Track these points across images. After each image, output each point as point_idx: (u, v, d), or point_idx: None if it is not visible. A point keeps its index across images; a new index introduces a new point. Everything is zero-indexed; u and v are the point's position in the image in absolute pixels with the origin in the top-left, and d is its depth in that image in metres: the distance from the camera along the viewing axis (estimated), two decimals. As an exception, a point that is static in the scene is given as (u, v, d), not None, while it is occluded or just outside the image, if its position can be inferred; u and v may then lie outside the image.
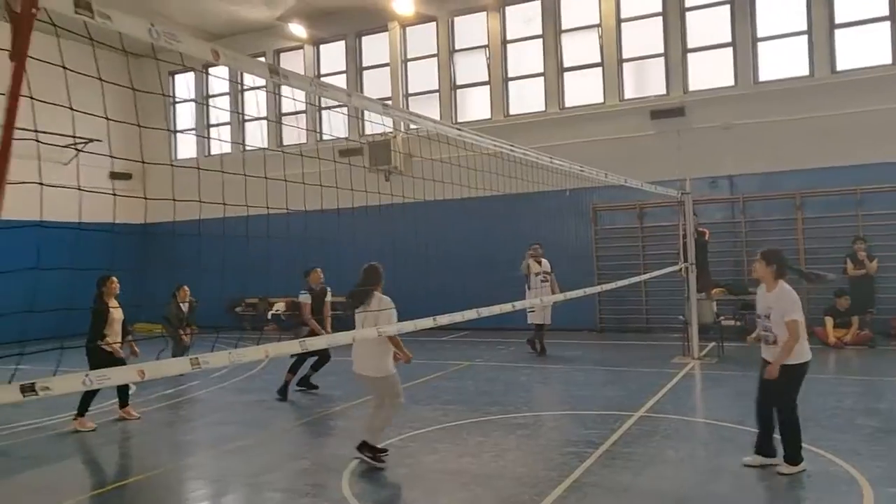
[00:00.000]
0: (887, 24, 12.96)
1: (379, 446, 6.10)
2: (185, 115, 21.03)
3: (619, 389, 8.98)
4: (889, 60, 12.94)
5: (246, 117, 19.40)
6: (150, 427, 8.04)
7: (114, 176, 14.83)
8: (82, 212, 4.25)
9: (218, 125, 20.32)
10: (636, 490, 5.23)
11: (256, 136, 18.70)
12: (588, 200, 14.51)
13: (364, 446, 6.04)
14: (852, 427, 6.66)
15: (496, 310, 5.54)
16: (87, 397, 7.77)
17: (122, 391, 8.43)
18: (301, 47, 18.65)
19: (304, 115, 18.24)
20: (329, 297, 9.99)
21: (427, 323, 4.83)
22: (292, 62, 19.00)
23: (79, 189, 3.18)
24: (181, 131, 20.28)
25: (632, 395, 8.40)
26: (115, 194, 4.08)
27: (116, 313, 8.10)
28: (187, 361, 2.96)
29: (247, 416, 8.41)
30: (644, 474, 5.54)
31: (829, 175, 13.02)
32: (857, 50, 13.25)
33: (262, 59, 19.25)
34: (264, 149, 4.03)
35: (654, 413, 7.50)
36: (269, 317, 17.92)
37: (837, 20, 13.39)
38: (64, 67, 2.63)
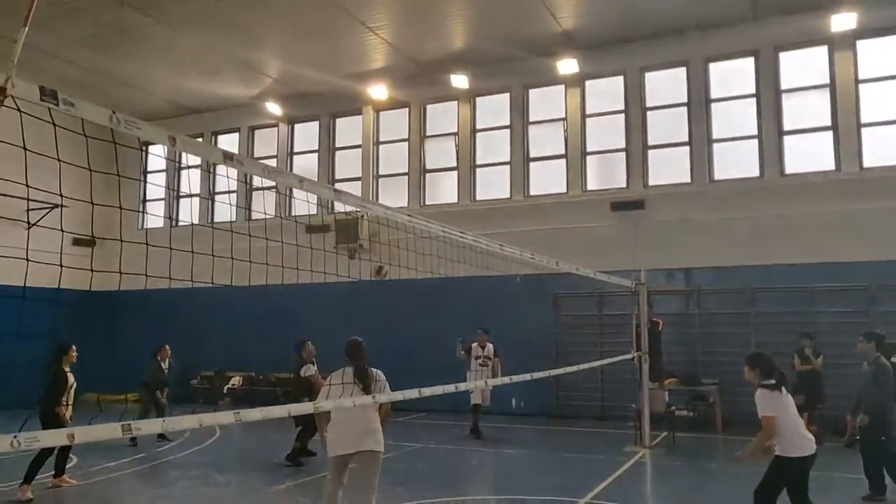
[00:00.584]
0: (830, 133, 13.82)
1: None
2: (157, 186, 21.11)
3: (568, 476, 8.95)
4: (832, 167, 13.72)
5: (215, 191, 19.61)
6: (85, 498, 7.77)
7: (76, 242, 14.81)
8: (40, 277, 4.27)
9: (188, 196, 20.43)
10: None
11: (225, 209, 18.85)
12: (550, 287, 14.77)
13: None
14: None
15: (438, 390, 5.60)
16: (34, 465, 7.68)
17: (60, 460, 8.27)
18: (276, 125, 19.16)
19: (273, 190, 18.49)
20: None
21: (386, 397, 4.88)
22: (267, 139, 19.48)
23: (27, 260, 3.22)
24: (125, 209, 20.33)
25: (580, 481, 8.37)
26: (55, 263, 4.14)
27: (71, 379, 8.19)
28: (118, 427, 2.97)
29: (190, 493, 8.17)
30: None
31: (781, 272, 13.49)
32: (804, 155, 14.04)
33: (237, 134, 19.75)
34: (231, 222, 4.10)
35: (598, 500, 7.48)
36: (225, 391, 17.56)
37: (785, 127, 14.25)
38: (25, 149, 2.75)
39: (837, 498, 7.79)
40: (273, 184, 17.98)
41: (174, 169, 20.11)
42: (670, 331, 13.25)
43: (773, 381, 5.64)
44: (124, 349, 17.09)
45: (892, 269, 12.64)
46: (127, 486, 8.68)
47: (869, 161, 13.50)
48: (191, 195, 18.74)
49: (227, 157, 3.50)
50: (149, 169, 20.72)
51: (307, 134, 19.00)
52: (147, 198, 20.31)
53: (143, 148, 20.31)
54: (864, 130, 13.59)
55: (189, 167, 19.66)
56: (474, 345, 12.43)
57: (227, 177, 18.63)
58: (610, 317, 14.72)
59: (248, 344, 17.13)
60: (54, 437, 2.95)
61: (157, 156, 19.62)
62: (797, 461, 5.45)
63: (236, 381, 17.81)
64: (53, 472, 8.15)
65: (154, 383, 12.02)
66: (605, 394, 14.50)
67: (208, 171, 18.21)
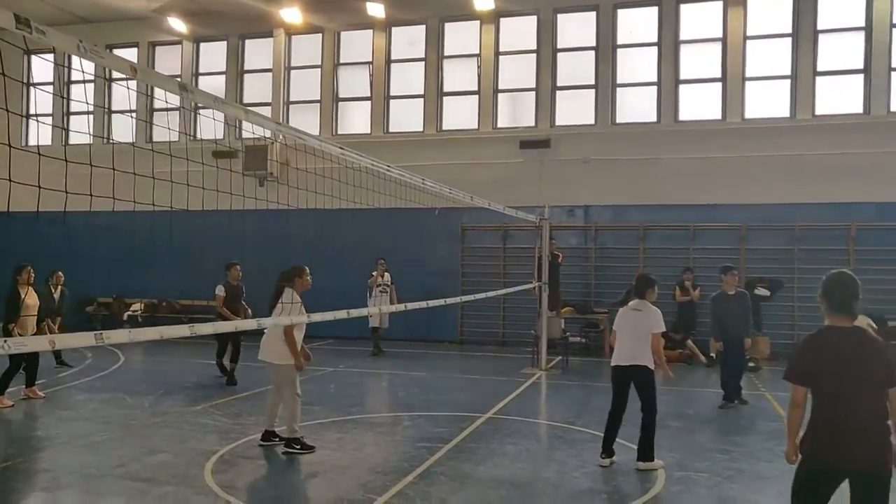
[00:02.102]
0: (719, 84, 14.88)
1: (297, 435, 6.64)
2: (44, 100, 19.69)
3: (472, 395, 9.73)
4: (719, 116, 14.85)
5: (113, 109, 18.61)
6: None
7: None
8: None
9: (80, 114, 19.21)
10: (477, 477, 5.90)
11: (124, 128, 17.96)
12: (457, 220, 15.33)
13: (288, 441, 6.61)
14: (660, 427, 7.74)
15: (342, 314, 5.90)
16: (6, 376, 8.58)
17: (30, 372, 9.06)
18: (180, 42, 18.27)
19: (176, 112, 17.80)
20: (244, 295, 10.72)
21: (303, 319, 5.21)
22: (168, 57, 18.54)
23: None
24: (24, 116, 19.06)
25: (482, 399, 9.15)
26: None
27: (30, 301, 8.94)
28: (91, 336, 3.15)
29: (101, 414, 8.30)
30: (485, 465, 6.24)
31: (669, 212, 14.66)
32: (697, 103, 15.08)
33: (135, 49, 18.67)
34: (132, 144, 3.98)
35: (500, 415, 8.29)
36: (125, 318, 17.17)
37: (682, 76, 15.18)
38: None
39: (701, 407, 8.98)
40: (176, 104, 17.45)
41: (64, 80, 18.81)
42: (568, 263, 14.21)
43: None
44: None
45: (763, 211, 14.06)
46: (25, 411, 8.64)
47: (751, 112, 14.71)
48: (87, 112, 17.67)
49: (183, 88, 3.61)
50: (35, 80, 19.29)
51: (214, 54, 18.24)
52: (33, 112, 18.98)
53: (27, 55, 18.88)
54: (748, 84, 14.73)
55: (84, 81, 18.47)
56: (374, 273, 13.48)
57: (127, 89, 17.68)
58: (514, 249, 15.52)
59: (149, 271, 16.77)
60: (39, 343, 3.19)
61: (45, 60, 18.20)
62: (612, 368, 6.45)
63: (137, 307, 17.48)
64: (24, 384, 9.05)
65: (43, 311, 11.60)
66: (506, 322, 15.44)
67: (105, 84, 17.19)
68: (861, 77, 14.19)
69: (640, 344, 6.18)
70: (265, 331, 6.70)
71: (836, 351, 3.46)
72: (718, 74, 14.90)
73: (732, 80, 14.74)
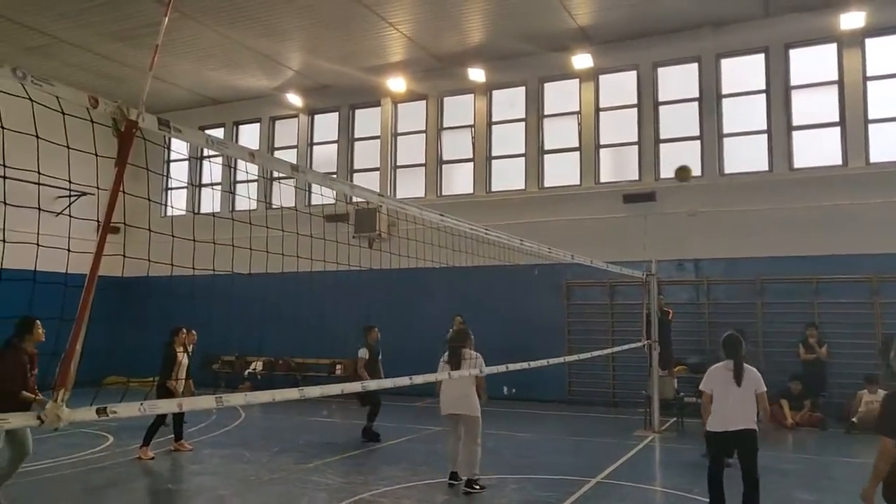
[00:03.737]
0: (837, 129, 14.14)
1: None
2: (180, 175, 21.54)
3: (580, 457, 9.47)
4: (839, 161, 14.06)
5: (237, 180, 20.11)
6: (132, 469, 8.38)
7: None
8: (70, 264, 4.54)
9: (209, 185, 20.87)
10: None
11: (246, 198, 19.32)
12: (562, 276, 15.22)
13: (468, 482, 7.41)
14: (788, 499, 7.21)
15: (431, 378, 6.02)
16: (150, 432, 9.17)
17: (177, 427, 9.75)
18: (296, 115, 19.63)
19: (292, 181, 18.97)
20: (381, 356, 10.96)
21: (404, 381, 5.37)
22: (287, 129, 19.95)
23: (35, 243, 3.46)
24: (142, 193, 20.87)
25: (591, 462, 8.88)
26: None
27: (183, 359, 9.79)
28: (212, 398, 3.42)
29: (224, 469, 8.74)
30: (594, 533, 6.03)
31: (788, 263, 13.87)
32: (810, 150, 14.38)
33: (258, 124, 20.24)
34: (251, 211, 4.38)
35: (610, 480, 8.00)
36: (246, 375, 18.14)
37: (794, 123, 14.57)
38: (67, 146, 3.15)
39: (837, 481, 8.27)
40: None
41: (197, 160, 20.60)
42: (680, 320, 13.70)
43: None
44: (154, 334, 17.68)
45: (895, 260, 13.02)
46: (162, 464, 9.25)
47: (875, 156, 13.84)
48: (212, 184, 19.23)
49: (294, 168, 3.95)
50: (172, 158, 21.23)
51: (327, 124, 19.45)
52: (170, 187, 20.85)
53: (167, 141, 20.85)
54: (870, 126, 13.91)
55: (210, 157, 20.17)
56: (451, 328, 13.16)
57: (245, 171, 19.10)
58: (621, 305, 15.16)
59: (267, 330, 17.69)
60: (168, 405, 3.53)
61: (177, 151, 20.02)
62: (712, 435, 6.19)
63: (256, 365, 18.41)
64: (173, 437, 9.80)
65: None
66: (617, 381, 14.99)
67: (229, 166, 18.66)
68: None
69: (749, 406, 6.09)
70: (448, 387, 7.63)
71: None
72: (836, 118, 14.19)
73: (853, 123, 13.98)
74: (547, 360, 7.81)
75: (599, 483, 7.84)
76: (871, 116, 13.92)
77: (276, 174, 17.08)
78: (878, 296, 13.19)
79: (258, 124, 20.26)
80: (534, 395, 15.03)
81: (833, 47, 14.28)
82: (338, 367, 17.09)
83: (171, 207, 20.27)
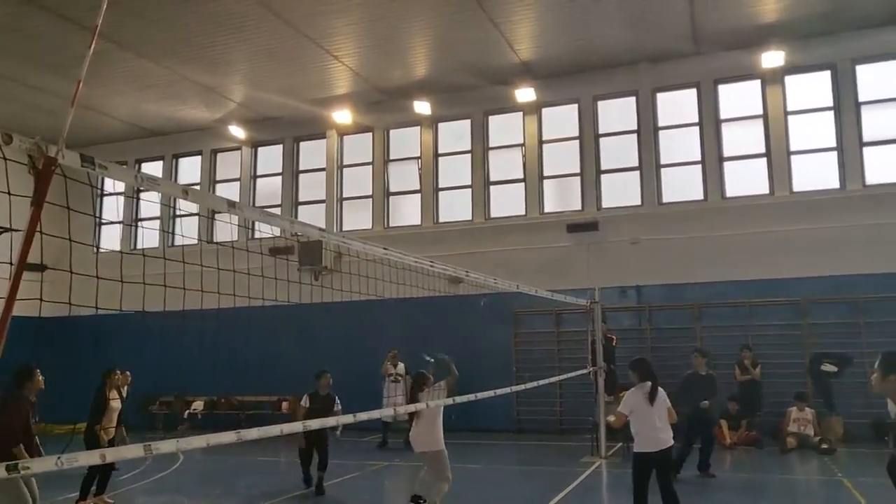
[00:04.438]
0: (764, 160, 14.88)
1: None
2: (112, 210, 20.71)
3: (529, 488, 9.52)
4: (766, 191, 14.76)
5: (178, 212, 19.68)
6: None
7: (29, 267, 14.70)
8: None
9: (147, 219, 20.22)
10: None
11: (187, 233, 18.91)
12: (510, 306, 15.39)
13: None
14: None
15: (375, 414, 6.00)
16: (86, 483, 8.39)
17: (102, 479, 8.70)
18: (239, 148, 19.43)
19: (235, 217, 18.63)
20: (338, 407, 9.67)
21: (347, 419, 5.34)
22: (230, 161, 19.72)
23: None
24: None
25: (540, 492, 8.94)
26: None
27: (115, 404, 8.95)
28: (141, 448, 3.33)
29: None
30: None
31: (724, 288, 14.40)
32: (741, 180, 15.06)
33: (199, 157, 19.92)
34: (185, 246, 4.28)
35: (557, 509, 8.06)
36: (186, 416, 17.50)
37: (725, 154, 15.25)
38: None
39: (773, 499, 8.53)
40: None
41: (132, 196, 20.06)
42: (623, 345, 13.98)
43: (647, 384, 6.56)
44: (80, 376, 16.97)
45: (822, 283, 13.68)
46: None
47: (798, 185, 14.60)
48: (140, 221, 18.77)
49: (231, 205, 3.93)
50: (105, 192, 20.60)
51: (271, 156, 19.30)
52: (102, 222, 20.18)
53: (95, 178, 20.27)
54: (793, 158, 14.69)
55: (145, 192, 19.61)
56: (387, 363, 13.49)
57: (181, 208, 18.67)
58: (567, 333, 15.40)
59: (208, 368, 17.20)
60: (90, 458, 3.36)
61: (110, 192, 19.37)
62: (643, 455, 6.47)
63: (197, 405, 17.79)
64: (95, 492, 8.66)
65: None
66: (564, 408, 15.14)
67: (167, 205, 18.23)
68: (911, 145, 13.99)
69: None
70: (412, 427, 7.67)
71: None
72: (762, 150, 14.93)
73: (777, 154, 14.73)
74: (494, 392, 7.86)
75: (547, 512, 7.89)
76: (792, 148, 14.71)
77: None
78: (806, 317, 13.80)
79: (199, 157, 19.95)
80: (482, 424, 15.02)
81: (757, 83, 15.08)
82: (284, 403, 16.73)
83: (97, 248, 19.52)
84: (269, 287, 5.71)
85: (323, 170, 18.55)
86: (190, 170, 20.00)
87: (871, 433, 12.13)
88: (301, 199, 18.85)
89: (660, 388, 6.64)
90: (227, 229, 18.27)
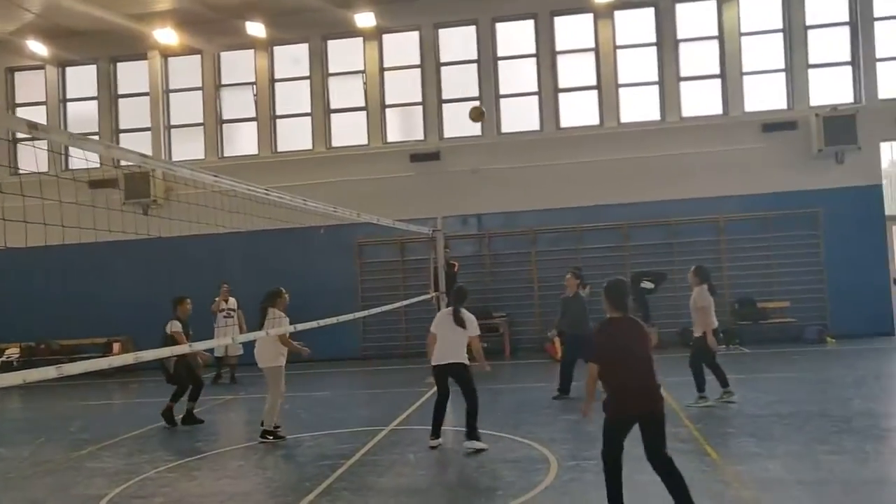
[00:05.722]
0: (595, 91, 15.70)
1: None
2: None
3: (375, 409, 9.77)
4: (597, 121, 15.66)
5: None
6: None
7: None
8: None
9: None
10: (379, 488, 5.93)
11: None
12: (353, 236, 15.30)
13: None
14: (556, 422, 8.10)
15: (212, 343, 5.86)
16: None
17: None
18: (42, 67, 17.24)
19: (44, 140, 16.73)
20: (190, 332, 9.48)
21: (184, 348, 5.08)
22: (31, 82, 17.48)
23: None
24: None
25: (385, 413, 9.17)
26: None
27: None
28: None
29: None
30: (387, 475, 6.28)
31: (557, 215, 15.27)
32: (576, 110, 15.83)
33: (-6, 75, 17.46)
34: None
35: (402, 426, 8.35)
36: (-1, 364, 15.89)
37: (560, 85, 15.89)
38: None
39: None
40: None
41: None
42: (465, 272, 14.48)
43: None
44: None
45: (641, 209, 14.92)
46: None
47: (626, 117, 15.62)
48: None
49: (33, 127, 3.44)
50: None
51: (83, 78, 17.33)
52: None
53: None
54: (621, 90, 15.63)
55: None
56: (218, 298, 13.14)
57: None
58: (412, 261, 15.66)
59: (24, 312, 15.69)
60: None
61: None
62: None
63: (12, 352, 16.25)
64: None
65: None
66: (410, 333, 15.51)
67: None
68: (718, 81, 15.37)
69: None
70: (255, 344, 7.86)
71: None
72: (594, 82, 15.71)
73: (607, 87, 15.58)
74: (336, 318, 7.83)
75: (393, 430, 8.15)
76: (621, 81, 15.63)
77: (19, 135, 14.94)
78: (627, 239, 15.05)
79: (-7, 75, 17.48)
80: (329, 354, 15.03)
81: (591, 17, 15.72)
82: (115, 345, 15.68)
83: None
84: (89, 223, 5.17)
85: (146, 94, 17.00)
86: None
87: (678, 340, 13.68)
88: (123, 126, 17.22)
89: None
90: (33, 159, 16.35)
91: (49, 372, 3.67)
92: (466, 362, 7.20)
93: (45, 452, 8.32)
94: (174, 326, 9.31)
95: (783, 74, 15.23)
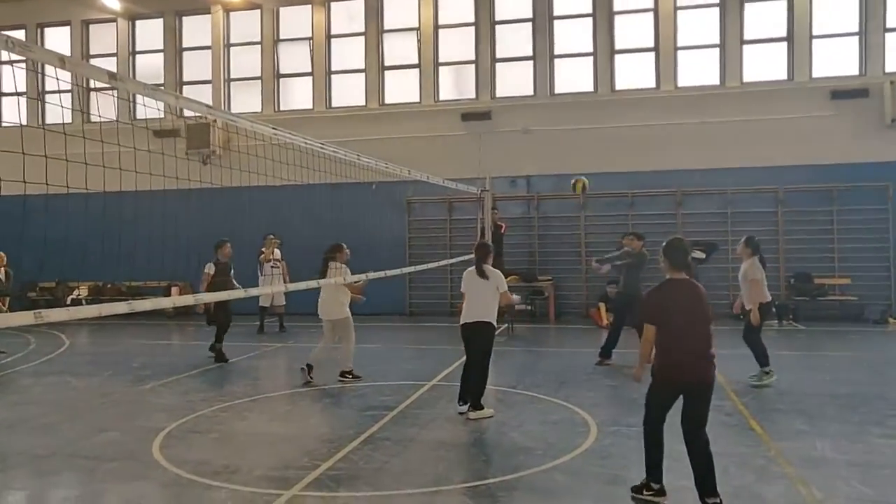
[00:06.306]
0: (652, 54, 15.30)
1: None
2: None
3: (419, 364, 10.06)
4: (654, 84, 15.30)
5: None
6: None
7: None
8: None
9: (10, 94, 18.63)
10: (420, 440, 6.21)
11: (56, 110, 17.46)
12: (403, 193, 15.51)
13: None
14: (598, 387, 8.23)
15: (254, 292, 6.17)
16: None
17: None
18: (114, 20, 17.78)
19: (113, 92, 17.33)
20: (232, 273, 10.65)
21: (239, 294, 5.37)
22: (104, 35, 18.07)
23: None
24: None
25: (430, 368, 9.48)
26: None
27: None
28: (31, 314, 3.25)
29: (48, 397, 8.32)
30: (428, 428, 6.56)
31: (609, 179, 15.08)
32: (632, 72, 15.50)
33: (68, 27, 18.10)
34: (64, 124, 3.98)
35: (445, 382, 8.61)
36: (69, 302, 16.90)
37: (617, 47, 15.54)
38: None
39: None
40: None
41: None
42: (512, 233, 14.58)
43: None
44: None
45: (697, 176, 14.63)
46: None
47: (683, 81, 15.22)
48: (18, 94, 17.10)
49: (112, 77, 3.67)
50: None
51: (151, 32, 17.82)
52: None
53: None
54: (680, 53, 15.20)
55: (12, 63, 17.77)
56: (264, 249, 13.59)
57: (57, 79, 17.12)
58: (459, 220, 15.82)
59: (93, 254, 16.49)
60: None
61: None
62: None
63: (82, 291, 17.23)
64: None
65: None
66: (454, 291, 15.73)
67: (35, 72, 16.64)
68: (785, 45, 14.79)
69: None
70: (321, 296, 8.66)
71: None
72: (652, 44, 15.31)
73: (665, 49, 15.18)
74: (384, 272, 8.08)
75: (435, 385, 8.43)
76: (680, 43, 15.18)
77: (94, 84, 15.51)
78: (680, 207, 14.82)
79: (68, 27, 18.12)
80: (376, 308, 15.39)
81: (652, -25, 15.23)
82: (173, 289, 16.42)
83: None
84: (156, 170, 5.45)
85: (209, 48, 17.38)
86: (58, 42, 18.15)
87: (729, 312, 13.50)
88: (186, 79, 17.70)
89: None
90: (104, 109, 16.95)
91: (121, 307, 4.04)
92: (494, 323, 6.97)
93: (111, 385, 8.94)
94: (209, 268, 10.28)
95: (856, 38, 14.55)
